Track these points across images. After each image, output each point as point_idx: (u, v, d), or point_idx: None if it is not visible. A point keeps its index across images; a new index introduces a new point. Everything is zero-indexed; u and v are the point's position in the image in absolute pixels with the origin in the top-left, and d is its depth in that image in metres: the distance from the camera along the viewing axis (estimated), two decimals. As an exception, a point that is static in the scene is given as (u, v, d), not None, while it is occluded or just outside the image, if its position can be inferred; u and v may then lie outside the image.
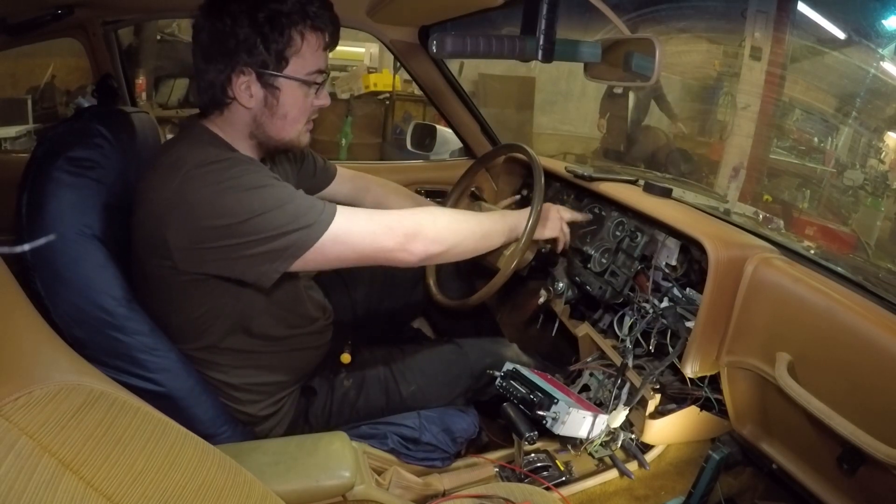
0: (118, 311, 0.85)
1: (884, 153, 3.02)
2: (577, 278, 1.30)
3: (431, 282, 1.32)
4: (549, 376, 1.18)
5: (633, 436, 1.20)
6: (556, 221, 1.18)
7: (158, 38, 3.76)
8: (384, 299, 1.42)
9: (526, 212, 1.10)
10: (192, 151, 0.84)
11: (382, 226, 0.88)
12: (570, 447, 1.20)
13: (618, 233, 1.25)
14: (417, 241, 0.90)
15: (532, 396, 1.08)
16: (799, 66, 3.30)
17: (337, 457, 0.85)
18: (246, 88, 0.87)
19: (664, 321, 1.09)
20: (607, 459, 1.19)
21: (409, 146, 1.89)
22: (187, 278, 0.85)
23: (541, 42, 0.82)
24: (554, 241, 1.20)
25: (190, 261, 0.82)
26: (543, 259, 1.23)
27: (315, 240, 0.82)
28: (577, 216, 1.24)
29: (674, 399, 1.14)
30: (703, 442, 1.23)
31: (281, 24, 0.83)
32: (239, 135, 0.92)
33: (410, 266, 0.93)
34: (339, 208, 0.85)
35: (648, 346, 1.13)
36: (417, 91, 2.78)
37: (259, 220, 0.79)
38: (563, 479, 1.14)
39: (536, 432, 1.05)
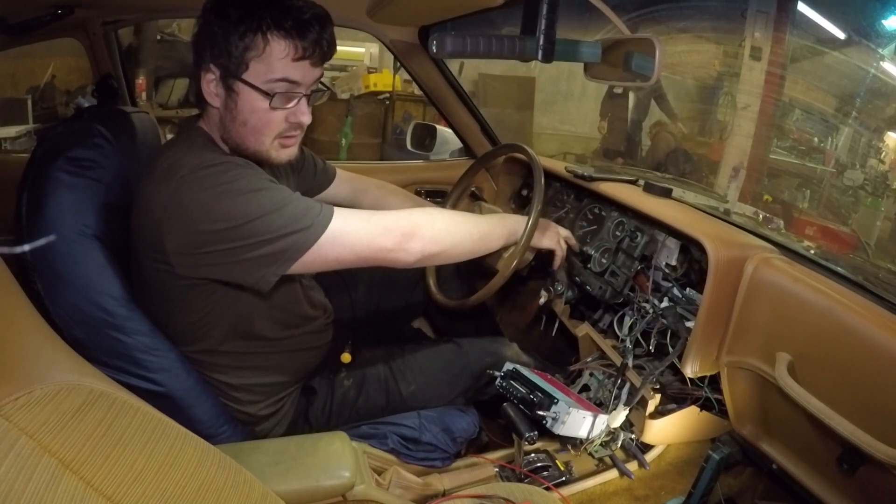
0: (118, 311, 0.85)
1: (884, 153, 3.02)
2: (577, 278, 1.30)
3: (431, 282, 1.32)
4: (549, 376, 1.18)
5: (633, 436, 1.20)
6: (555, 235, 1.19)
7: (158, 38, 3.76)
8: (384, 300, 1.42)
9: (525, 216, 1.10)
10: (187, 155, 0.83)
11: (380, 226, 0.88)
12: (570, 447, 1.20)
13: (618, 233, 1.25)
14: (415, 241, 0.90)
15: (532, 396, 1.08)
16: (799, 66, 3.30)
17: (337, 457, 0.85)
18: (215, 87, 0.86)
19: (664, 321, 1.09)
20: (607, 459, 1.19)
21: (409, 146, 1.89)
22: (185, 282, 0.85)
23: (541, 42, 0.82)
24: (551, 253, 1.20)
25: (187, 265, 0.82)
26: (543, 259, 1.24)
27: (313, 242, 0.81)
28: (572, 241, 1.24)
29: (674, 399, 1.14)
30: (703, 442, 1.23)
31: (247, 25, 0.80)
32: (217, 136, 0.91)
33: (408, 266, 0.92)
34: (336, 210, 0.85)
35: (648, 346, 1.13)
36: (417, 91, 2.78)
37: (256, 223, 0.79)
38: (563, 479, 1.14)
39: (536, 432, 1.05)
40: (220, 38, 0.82)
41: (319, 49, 0.85)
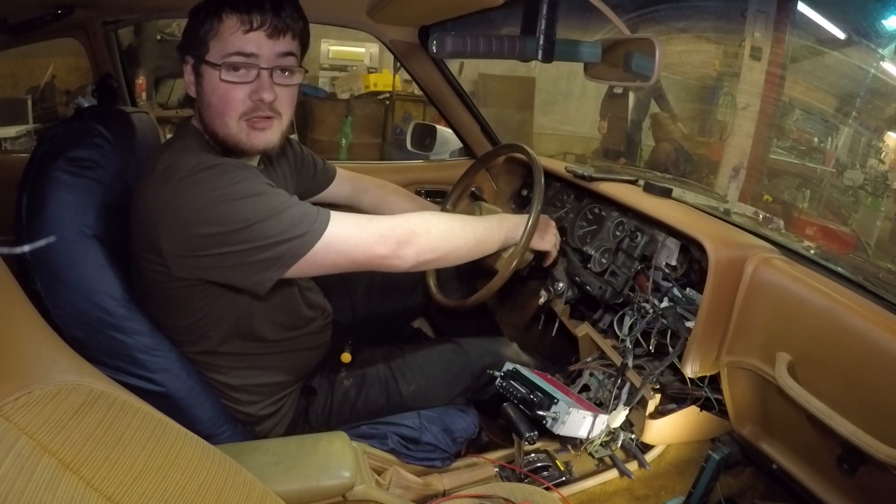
0: (118, 311, 0.85)
1: (884, 153, 3.02)
2: (577, 278, 1.30)
3: (431, 282, 1.32)
4: (549, 376, 1.18)
5: (633, 436, 1.20)
6: (552, 237, 1.19)
7: (158, 38, 3.76)
8: (384, 300, 1.42)
9: (524, 217, 1.10)
10: (184, 157, 0.83)
11: (376, 234, 0.87)
12: (570, 447, 1.20)
13: (618, 233, 1.25)
14: (410, 248, 0.90)
15: (532, 396, 1.08)
16: (799, 66, 3.30)
17: (337, 457, 0.85)
18: (189, 76, 0.88)
19: (664, 321, 1.09)
20: (607, 459, 1.19)
21: (409, 146, 1.89)
22: (182, 283, 0.85)
23: (541, 42, 0.82)
24: (546, 254, 1.21)
25: (184, 267, 0.82)
26: (541, 259, 1.24)
27: (308, 248, 0.81)
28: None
29: (674, 399, 1.14)
30: (703, 442, 1.23)
31: (206, 11, 0.83)
32: (204, 130, 0.91)
33: (403, 271, 0.93)
34: (333, 215, 0.85)
35: (648, 346, 1.13)
36: (417, 91, 2.78)
37: (253, 229, 0.79)
38: (563, 479, 1.14)
39: (536, 432, 1.05)
40: (189, 29, 0.85)
41: (274, 18, 0.83)
